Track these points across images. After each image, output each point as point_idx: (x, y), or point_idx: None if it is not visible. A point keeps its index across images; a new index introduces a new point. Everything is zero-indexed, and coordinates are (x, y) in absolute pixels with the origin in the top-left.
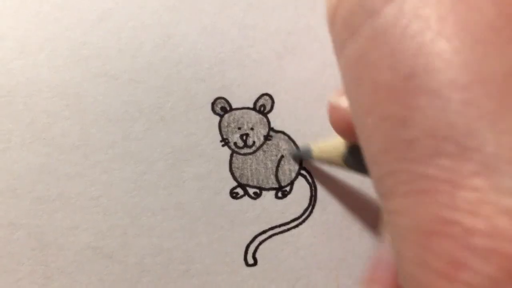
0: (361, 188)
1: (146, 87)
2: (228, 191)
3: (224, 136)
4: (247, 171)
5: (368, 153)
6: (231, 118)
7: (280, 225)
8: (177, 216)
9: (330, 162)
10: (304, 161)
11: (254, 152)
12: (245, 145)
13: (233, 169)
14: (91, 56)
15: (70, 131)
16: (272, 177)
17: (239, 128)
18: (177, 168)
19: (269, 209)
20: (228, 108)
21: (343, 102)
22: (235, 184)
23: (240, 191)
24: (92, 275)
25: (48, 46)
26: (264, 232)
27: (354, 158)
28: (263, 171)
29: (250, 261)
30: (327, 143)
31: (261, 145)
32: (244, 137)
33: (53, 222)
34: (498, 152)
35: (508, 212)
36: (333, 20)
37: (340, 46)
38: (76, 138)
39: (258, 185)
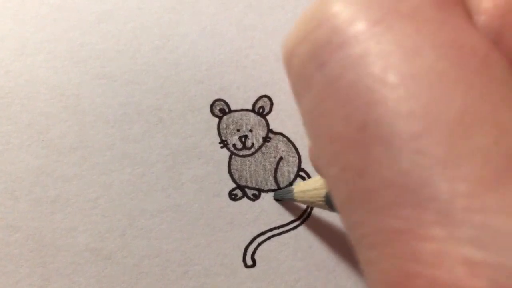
0: None
1: (145, 89)
2: (227, 192)
3: (223, 138)
4: (246, 173)
5: (336, 202)
6: (230, 120)
7: (279, 227)
8: (176, 217)
9: (312, 203)
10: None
11: (253, 153)
12: (244, 146)
13: (232, 170)
14: (89, 58)
15: (69, 133)
16: (271, 178)
17: (238, 130)
18: (176, 170)
19: (268, 210)
20: (227, 110)
21: None
22: (234, 185)
23: (239, 192)
24: (90, 277)
25: (47, 48)
26: (263, 233)
27: None
28: (262, 172)
29: (249, 262)
30: (309, 184)
31: (260, 147)
32: (243, 139)
33: (52, 224)
34: (452, 200)
35: (467, 262)
36: (288, 71)
37: (297, 96)
38: (74, 140)
39: (257, 187)
